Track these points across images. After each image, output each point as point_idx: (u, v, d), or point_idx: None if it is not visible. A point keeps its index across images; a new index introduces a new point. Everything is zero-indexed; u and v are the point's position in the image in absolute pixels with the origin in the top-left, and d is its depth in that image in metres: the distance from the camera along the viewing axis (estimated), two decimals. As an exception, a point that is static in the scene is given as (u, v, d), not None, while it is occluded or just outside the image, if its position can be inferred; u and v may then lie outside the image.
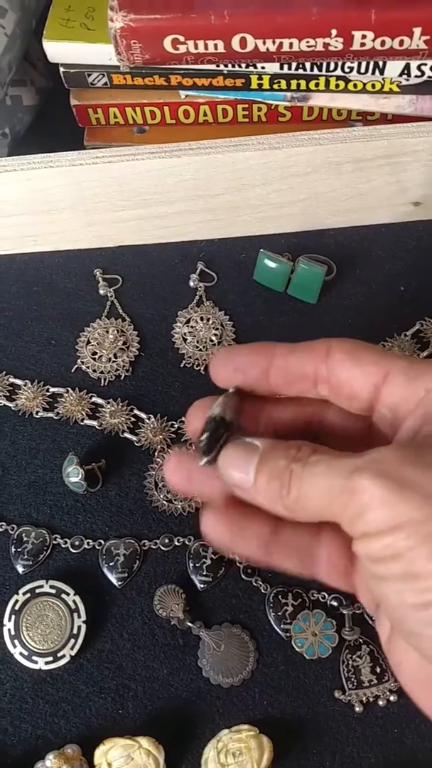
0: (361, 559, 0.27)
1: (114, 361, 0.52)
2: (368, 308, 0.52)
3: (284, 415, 0.32)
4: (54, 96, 0.59)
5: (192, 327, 0.53)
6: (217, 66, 0.49)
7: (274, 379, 0.31)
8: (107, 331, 0.53)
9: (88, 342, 0.53)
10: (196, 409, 0.31)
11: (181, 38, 0.46)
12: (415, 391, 0.28)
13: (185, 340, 0.53)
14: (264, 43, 0.45)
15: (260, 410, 0.32)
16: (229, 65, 0.49)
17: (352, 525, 0.26)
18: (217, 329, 0.53)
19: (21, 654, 0.43)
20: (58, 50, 0.51)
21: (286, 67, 0.49)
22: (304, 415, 0.32)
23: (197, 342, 0.53)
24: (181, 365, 0.52)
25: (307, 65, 0.49)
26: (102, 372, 0.52)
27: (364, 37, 0.45)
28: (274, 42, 0.45)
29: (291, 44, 0.45)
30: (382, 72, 0.49)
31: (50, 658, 0.43)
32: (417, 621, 0.25)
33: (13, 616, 0.44)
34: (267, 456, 0.28)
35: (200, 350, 0.52)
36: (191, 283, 0.54)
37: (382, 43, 0.45)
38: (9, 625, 0.44)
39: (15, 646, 0.43)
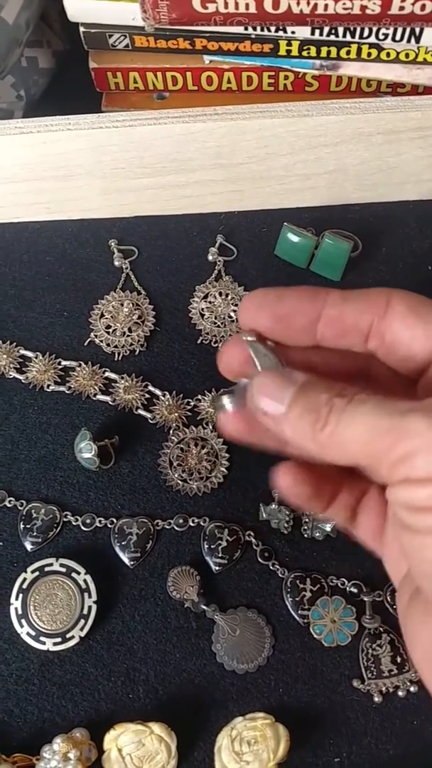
0: (394, 510, 0.25)
1: (128, 336, 0.50)
2: (394, 287, 0.50)
3: (331, 362, 0.30)
4: (71, 59, 0.57)
5: (210, 302, 0.51)
6: (246, 29, 0.47)
7: (324, 330, 0.28)
8: (122, 304, 0.51)
9: (102, 315, 0.51)
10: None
11: (211, -4, 0.44)
12: None
13: (203, 315, 0.51)
14: (298, 3, 0.43)
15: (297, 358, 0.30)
16: (258, 28, 0.47)
17: (395, 468, 0.24)
18: (236, 305, 0.51)
19: (28, 634, 0.42)
20: (79, 8, 0.49)
21: (317, 32, 0.47)
22: (349, 366, 0.30)
23: (215, 318, 0.51)
24: (198, 342, 0.50)
25: (340, 31, 0.47)
26: (116, 346, 0.50)
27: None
28: (308, 3, 0.43)
29: (326, 6, 0.43)
30: (418, 40, 0.47)
31: (58, 639, 0.41)
32: None
33: (20, 595, 0.42)
34: (307, 387, 0.26)
35: (218, 327, 0.50)
36: (210, 257, 0.52)
37: (422, 7, 0.43)
38: (16, 603, 0.42)
39: (22, 626, 0.42)
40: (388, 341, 0.27)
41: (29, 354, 0.50)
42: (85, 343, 0.50)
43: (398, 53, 0.48)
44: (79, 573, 0.43)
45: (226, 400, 0.29)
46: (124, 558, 0.44)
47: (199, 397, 0.48)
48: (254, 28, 0.47)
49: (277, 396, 0.26)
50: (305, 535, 0.44)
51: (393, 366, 0.28)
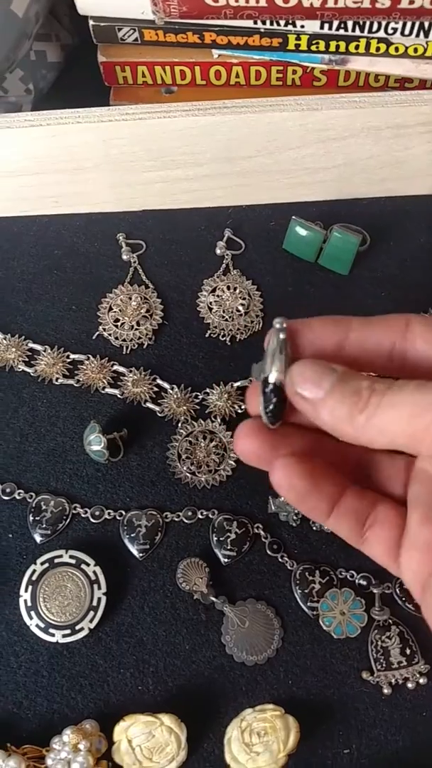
0: None
1: (137, 329, 0.50)
2: (402, 281, 0.50)
3: None
4: (79, 54, 0.57)
5: (218, 296, 0.51)
6: (255, 23, 0.47)
7: (350, 352, 0.29)
8: (130, 298, 0.51)
9: (110, 308, 0.51)
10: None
11: (222, -11, 0.44)
12: None
13: (211, 309, 0.51)
14: (308, -4, 0.43)
15: None
16: (268, 22, 0.47)
17: None
18: (244, 299, 0.51)
19: (37, 626, 0.42)
20: (89, 1, 0.49)
21: (326, 26, 0.47)
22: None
23: (223, 312, 0.51)
24: (206, 335, 0.50)
25: (349, 25, 0.47)
26: (124, 340, 0.50)
27: (413, -7, 0.43)
28: (318, -4, 0.43)
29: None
30: (427, 34, 0.47)
31: (68, 631, 0.41)
32: None
33: (30, 587, 0.42)
34: (347, 375, 0.27)
35: (226, 320, 0.50)
36: (218, 251, 0.52)
37: (432, 1, 0.43)
38: (25, 595, 0.42)
39: (31, 618, 0.42)
40: (411, 358, 0.29)
41: (38, 347, 0.50)
42: (94, 337, 0.50)
43: (407, 48, 0.48)
44: (88, 564, 0.43)
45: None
46: (133, 550, 0.44)
47: (207, 390, 0.48)
48: (263, 22, 0.47)
49: (316, 382, 0.27)
50: (314, 528, 0.44)
51: None
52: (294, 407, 0.29)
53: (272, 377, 0.28)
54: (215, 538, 0.44)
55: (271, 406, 0.28)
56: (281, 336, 0.28)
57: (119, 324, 0.51)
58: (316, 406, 0.27)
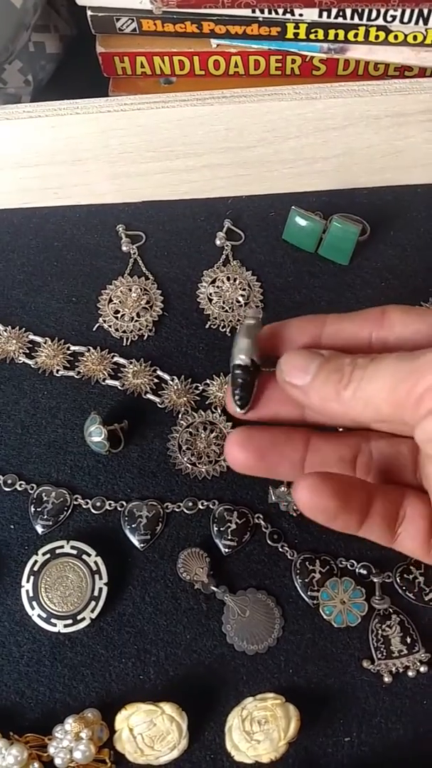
0: (425, 448, 0.26)
1: (137, 321, 0.50)
2: (403, 271, 0.50)
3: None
4: (77, 45, 0.57)
5: (218, 287, 0.51)
6: (253, 12, 0.47)
7: (327, 345, 0.30)
8: (130, 290, 0.51)
9: (110, 300, 0.51)
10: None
11: (219, -22, 0.44)
12: None
13: (211, 300, 0.51)
14: (306, -16, 0.43)
15: None
16: (266, 11, 0.47)
17: (418, 405, 0.25)
18: (244, 290, 0.51)
19: (39, 616, 0.42)
20: (87, -8, 0.49)
21: (325, 14, 0.47)
22: None
23: (223, 303, 0.51)
24: (206, 326, 0.50)
25: (348, 12, 0.47)
26: (124, 331, 0.50)
27: (412, -21, 0.42)
28: (317, -17, 0.43)
29: (335, -14, 0.43)
30: (426, 22, 0.46)
31: (69, 621, 0.42)
32: None
33: (31, 577, 0.42)
34: (331, 357, 0.28)
35: (226, 311, 0.50)
36: (217, 242, 0.52)
37: (431, -12, 0.43)
38: (27, 586, 0.42)
39: (33, 608, 0.42)
40: (392, 342, 0.29)
41: (38, 339, 0.50)
42: (94, 329, 0.50)
43: (406, 36, 0.48)
44: (89, 555, 0.43)
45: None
46: (135, 540, 0.44)
47: (208, 381, 0.48)
48: (262, 11, 0.47)
49: (303, 368, 0.28)
50: (314, 518, 0.44)
51: None
52: (273, 404, 0.30)
53: (237, 359, 0.29)
54: (216, 529, 0.44)
55: (237, 390, 0.29)
56: (248, 322, 0.29)
57: (119, 315, 0.51)
58: (305, 392, 0.28)
